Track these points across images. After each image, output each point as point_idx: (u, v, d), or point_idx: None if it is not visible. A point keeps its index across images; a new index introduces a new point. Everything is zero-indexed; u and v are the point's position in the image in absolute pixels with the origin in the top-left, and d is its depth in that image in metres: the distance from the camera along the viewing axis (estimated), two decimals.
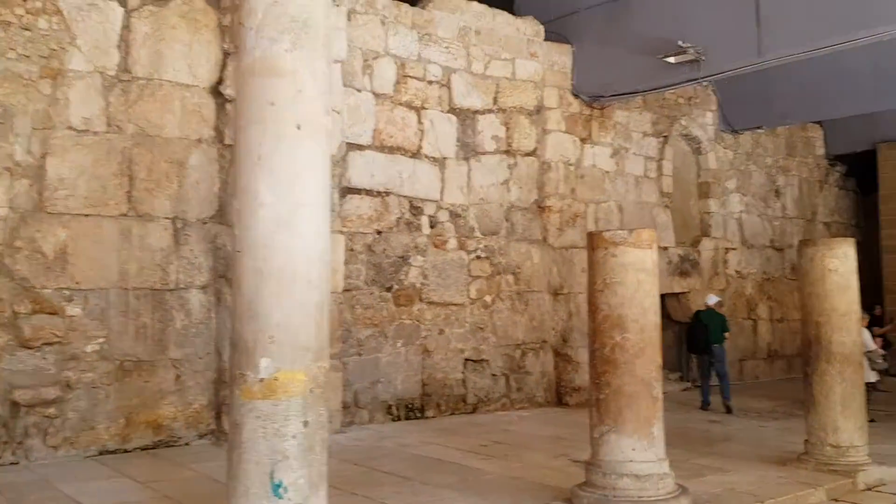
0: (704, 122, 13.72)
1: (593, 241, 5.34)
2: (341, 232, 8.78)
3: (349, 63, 9.11)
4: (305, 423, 3.55)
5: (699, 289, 13.03)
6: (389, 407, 9.20)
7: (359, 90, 9.32)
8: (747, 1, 9.21)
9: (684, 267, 12.95)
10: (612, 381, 5.06)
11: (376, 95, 9.47)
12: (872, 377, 9.47)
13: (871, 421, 9.37)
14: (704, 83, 13.38)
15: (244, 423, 3.54)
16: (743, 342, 13.83)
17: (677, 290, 12.86)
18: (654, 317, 5.19)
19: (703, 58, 9.78)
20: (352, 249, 9.04)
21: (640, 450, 4.95)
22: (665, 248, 12.65)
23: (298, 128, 3.64)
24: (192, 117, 7.72)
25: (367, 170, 9.29)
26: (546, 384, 10.68)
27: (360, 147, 9.25)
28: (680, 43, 9.81)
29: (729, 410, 10.21)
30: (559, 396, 10.69)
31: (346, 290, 8.81)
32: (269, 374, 3.52)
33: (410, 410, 9.34)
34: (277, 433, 3.50)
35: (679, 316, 13.10)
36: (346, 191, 9.09)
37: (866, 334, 9.51)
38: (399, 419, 9.20)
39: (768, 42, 9.19)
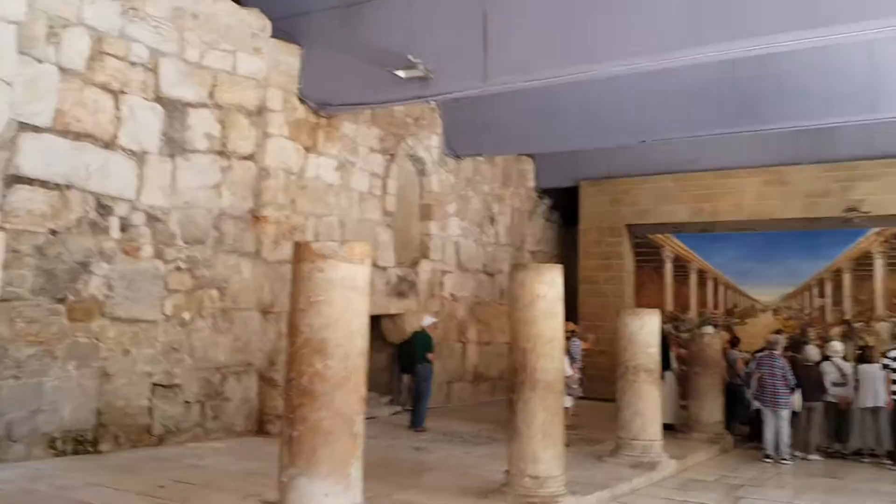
0: (430, 144, 13.77)
1: (299, 253, 4.67)
2: (2, 228, 7.18)
3: (29, 27, 7.58)
4: None
5: (415, 310, 12.92)
6: (54, 440, 7.69)
7: (40, 61, 7.80)
8: (476, 25, 9.21)
9: (402, 287, 12.78)
10: (308, 416, 4.39)
11: (63, 70, 7.99)
12: (568, 402, 9.84)
13: (566, 445, 9.81)
14: (432, 104, 13.46)
15: None
16: (452, 364, 13.98)
17: (394, 310, 12.63)
18: (361, 341, 4.62)
19: (432, 76, 9.63)
20: (16, 251, 7.46)
21: (334, 495, 4.33)
22: (385, 268, 12.38)
23: None
24: None
25: (43, 157, 7.76)
26: (247, 411, 9.74)
27: (35, 129, 7.72)
28: (410, 57, 9.57)
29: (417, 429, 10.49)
30: (261, 425, 9.79)
31: (2, 300, 7.23)
32: None
33: (80, 444, 7.89)
34: None
35: (394, 337, 12.88)
36: (14, 179, 7.51)
37: (565, 360, 9.89)
38: (65, 454, 7.72)
39: (492, 68, 9.25)
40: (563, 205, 17.58)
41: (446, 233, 14.14)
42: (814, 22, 7.37)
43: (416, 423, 10.68)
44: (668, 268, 15.81)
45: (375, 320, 12.84)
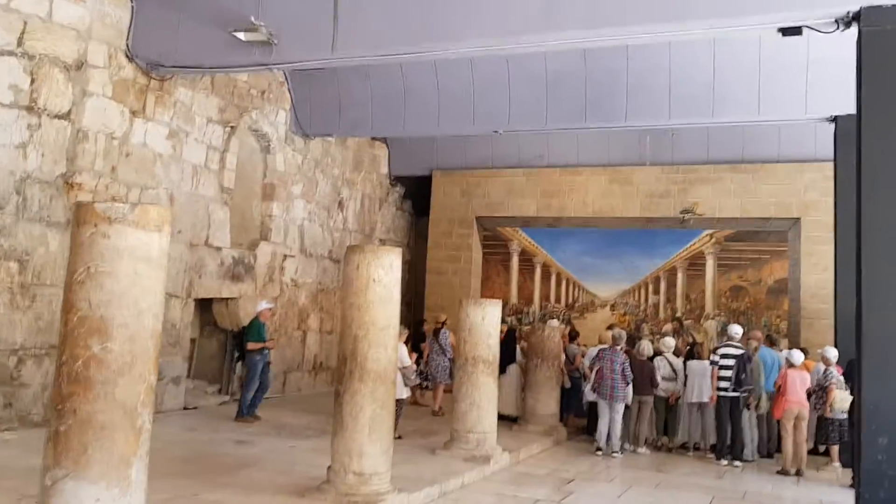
0: (276, 120, 13.00)
1: (80, 215, 3.95)
2: None
3: None
4: None
5: (251, 295, 12.15)
6: None
7: None
8: None
9: (237, 270, 11.96)
10: (79, 408, 3.70)
11: None
12: (404, 393, 9.48)
13: (398, 437, 9.46)
14: (280, 77, 12.72)
15: None
16: (291, 353, 13.32)
17: (227, 294, 11.79)
18: (152, 322, 3.96)
19: (276, 42, 8.95)
20: None
21: (108, 500, 3.67)
22: (219, 249, 11.52)
23: None
24: None
25: None
26: (48, 399, 8.67)
27: None
28: (253, 19, 8.84)
29: (245, 418, 9.94)
30: None
31: None
32: None
33: None
34: None
35: (227, 323, 12.05)
36: None
37: (403, 350, 9.52)
38: None
39: (341, 39, 8.71)
40: (416, 194, 17.27)
41: (290, 215, 13.43)
42: (667, 15, 7.37)
43: (240, 414, 9.99)
44: (515, 261, 15.87)
45: (206, 304, 11.96)
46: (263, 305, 10.55)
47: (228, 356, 12.17)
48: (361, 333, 6.23)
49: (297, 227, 13.61)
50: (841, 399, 9.16)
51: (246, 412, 9.99)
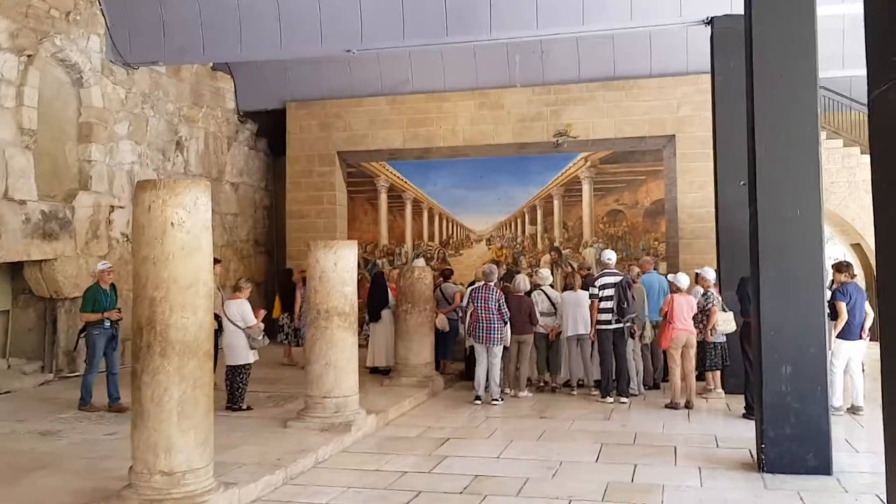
0: (88, 47, 11.02)
1: None
2: None
3: None
4: None
5: (71, 255, 10.38)
6: None
7: None
8: None
9: (50, 227, 10.11)
10: None
11: None
12: (251, 357, 8.17)
13: (247, 409, 8.18)
14: None
15: None
16: (128, 320, 11.61)
17: (38, 256, 9.96)
18: None
19: None
20: None
21: None
22: (22, 202, 9.65)
23: None
24: None
25: None
26: None
27: None
28: None
29: (92, 406, 8.10)
30: None
31: None
32: None
33: None
34: None
35: (44, 291, 10.25)
36: None
37: (246, 306, 8.18)
38: None
39: None
40: (272, 131, 15.58)
41: (115, 159, 11.57)
42: None
43: (83, 402, 8.19)
44: (384, 198, 14.58)
45: (18, 269, 10.12)
46: (101, 266, 8.68)
47: (49, 328, 10.42)
48: (159, 295, 4.85)
49: (126, 173, 11.77)
50: (724, 321, 8.57)
51: (88, 400, 8.23)
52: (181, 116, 13.25)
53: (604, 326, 8.83)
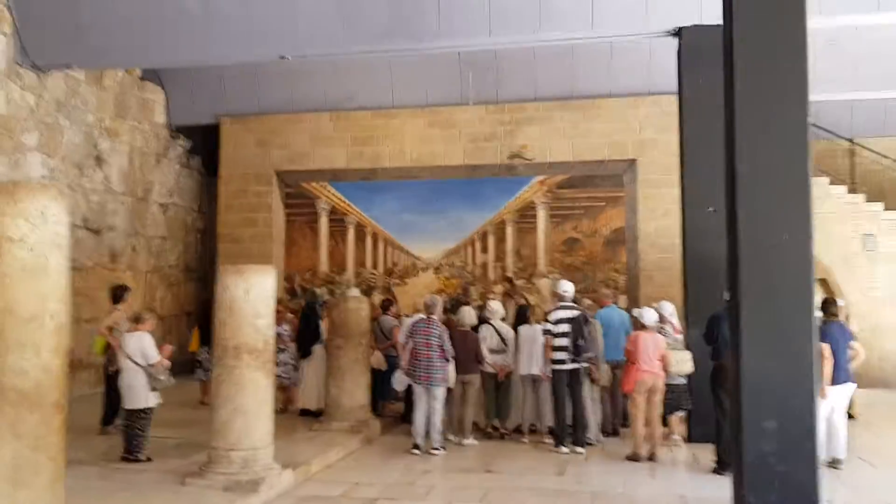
0: None
1: None
2: None
3: None
4: None
5: None
6: None
7: None
8: None
9: None
10: None
11: None
12: (152, 400, 7.03)
13: (147, 460, 6.98)
14: None
15: None
16: None
17: None
18: None
19: None
20: None
21: None
22: None
23: None
24: None
25: None
26: None
27: None
28: None
29: None
30: None
31: None
32: None
33: None
34: None
35: None
36: None
37: (147, 340, 7.05)
38: None
39: None
40: (207, 149, 14.47)
41: (21, 172, 10.34)
42: None
43: None
44: (324, 222, 13.56)
45: None
46: None
47: None
48: None
49: None
50: (678, 361, 7.69)
51: None
52: (103, 128, 12.08)
53: (559, 366, 7.87)
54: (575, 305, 8.21)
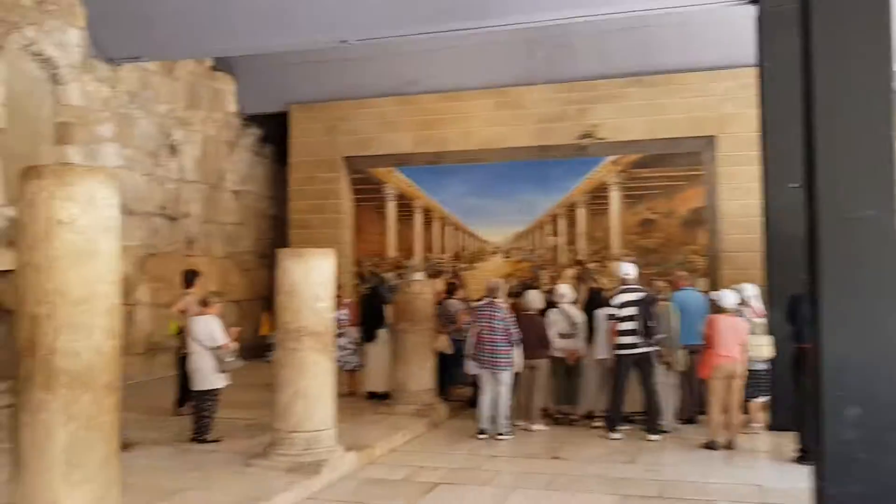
0: (66, 40, 10.17)
1: None
2: None
3: None
4: None
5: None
6: None
7: None
8: None
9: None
10: None
11: None
12: (220, 382, 7.11)
13: (216, 441, 7.14)
14: None
15: None
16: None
17: (5, 266, 9.02)
18: None
19: None
20: None
21: None
22: None
23: None
24: None
25: None
26: None
27: None
28: None
29: None
30: None
31: None
32: None
33: None
34: None
35: (13, 303, 9.30)
36: None
37: (214, 324, 7.13)
38: None
39: None
40: (278, 137, 14.63)
41: (97, 162, 10.65)
42: None
43: None
44: (392, 207, 13.51)
45: None
46: None
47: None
48: (44, 311, 3.81)
49: None
50: (756, 345, 7.27)
51: None
52: (175, 118, 12.34)
53: (626, 351, 7.57)
54: (639, 287, 7.88)
